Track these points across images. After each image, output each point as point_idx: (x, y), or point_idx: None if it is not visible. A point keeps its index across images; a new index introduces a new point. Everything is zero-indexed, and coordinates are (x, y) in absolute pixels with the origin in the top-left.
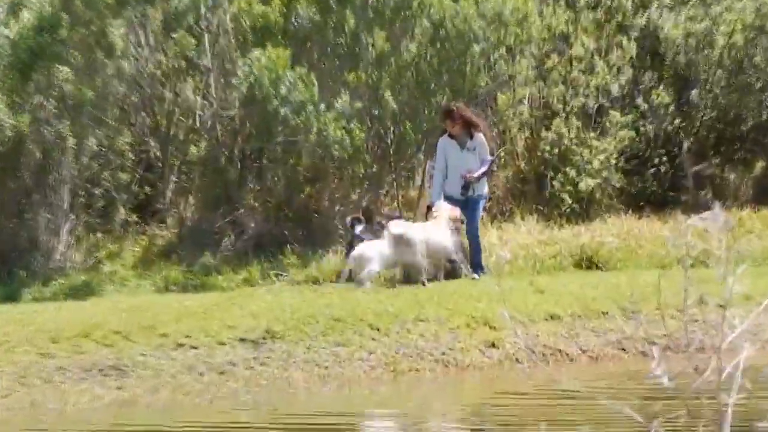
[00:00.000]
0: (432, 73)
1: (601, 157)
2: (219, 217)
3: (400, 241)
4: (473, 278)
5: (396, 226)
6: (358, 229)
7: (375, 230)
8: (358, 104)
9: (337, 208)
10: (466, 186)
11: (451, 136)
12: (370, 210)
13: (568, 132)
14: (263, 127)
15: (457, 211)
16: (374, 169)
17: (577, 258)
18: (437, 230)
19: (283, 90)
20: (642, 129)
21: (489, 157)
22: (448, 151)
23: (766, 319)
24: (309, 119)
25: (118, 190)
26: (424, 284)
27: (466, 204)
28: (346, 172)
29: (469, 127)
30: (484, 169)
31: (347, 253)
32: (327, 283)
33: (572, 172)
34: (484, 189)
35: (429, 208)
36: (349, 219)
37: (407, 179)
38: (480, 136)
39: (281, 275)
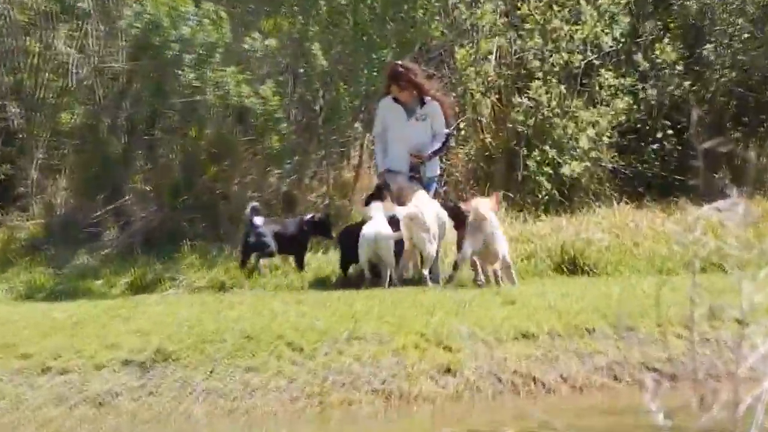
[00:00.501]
0: (374, 20)
1: (590, 131)
2: (98, 204)
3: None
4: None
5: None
6: (257, 220)
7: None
8: (272, 43)
9: (249, 193)
10: (415, 167)
11: (396, 100)
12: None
13: (548, 98)
14: (156, 86)
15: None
16: (298, 144)
17: (557, 259)
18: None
19: (185, 31)
20: (641, 94)
21: (444, 130)
22: (391, 119)
23: None
24: (207, 74)
25: None
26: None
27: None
28: (262, 147)
29: (421, 93)
30: (437, 145)
31: (242, 250)
32: (236, 290)
33: (552, 151)
34: (436, 170)
35: (379, 189)
36: (249, 208)
37: (340, 157)
38: (434, 103)
39: (177, 279)
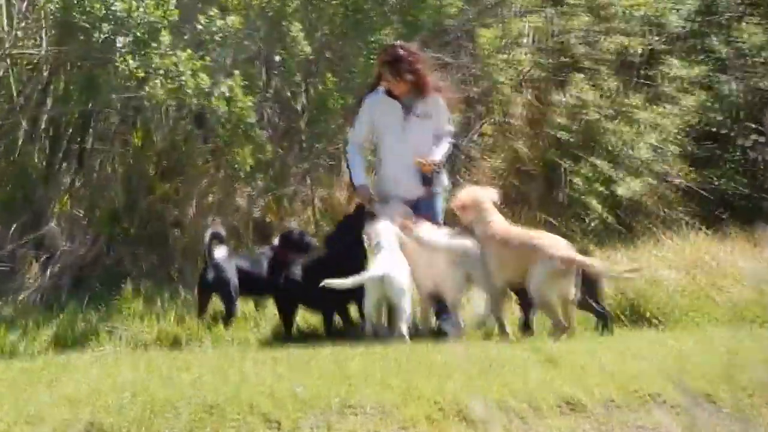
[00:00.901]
0: None
1: (652, 136)
2: (13, 234)
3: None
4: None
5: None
6: (219, 251)
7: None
8: (234, 20)
9: (210, 218)
10: (427, 178)
11: (389, 93)
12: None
13: (596, 94)
14: (87, 79)
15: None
16: (273, 154)
17: (612, 306)
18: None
19: (117, 7)
20: (720, 89)
21: (449, 128)
22: (385, 119)
23: None
24: (154, 60)
25: None
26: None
27: (416, 207)
28: (227, 160)
29: (422, 85)
30: (444, 148)
31: (199, 291)
32: (194, 346)
33: (604, 163)
34: (444, 181)
35: (359, 208)
36: (208, 234)
37: (329, 171)
38: (436, 96)
39: (117, 332)
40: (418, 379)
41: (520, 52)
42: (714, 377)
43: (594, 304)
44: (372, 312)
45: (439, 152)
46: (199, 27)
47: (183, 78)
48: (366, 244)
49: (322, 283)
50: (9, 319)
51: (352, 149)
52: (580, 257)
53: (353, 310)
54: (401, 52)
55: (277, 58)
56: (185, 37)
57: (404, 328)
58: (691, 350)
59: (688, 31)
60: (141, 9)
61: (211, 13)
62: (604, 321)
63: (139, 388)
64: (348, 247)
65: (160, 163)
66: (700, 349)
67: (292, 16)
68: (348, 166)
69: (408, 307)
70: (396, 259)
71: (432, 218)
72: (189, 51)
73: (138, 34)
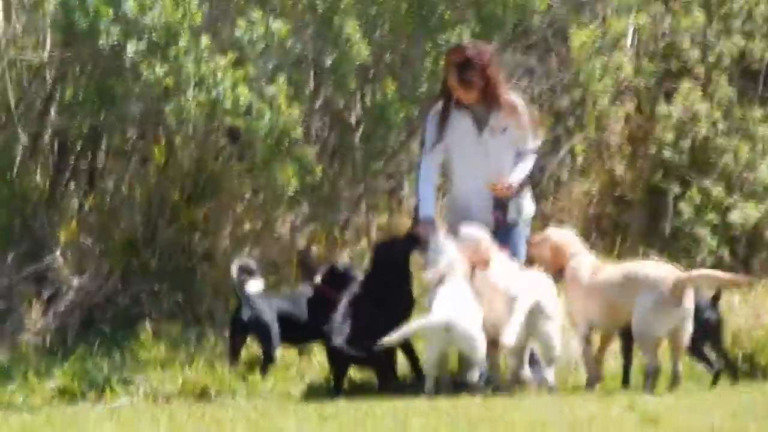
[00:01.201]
0: None
1: None
2: (10, 266)
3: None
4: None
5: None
6: (253, 286)
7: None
8: (282, 28)
9: (247, 248)
10: (501, 203)
11: (458, 103)
12: (307, 255)
13: (712, 106)
14: (99, 87)
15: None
16: (322, 176)
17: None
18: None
19: (130, 7)
20: None
21: (534, 144)
22: (453, 132)
23: None
24: (185, 66)
25: None
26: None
27: (495, 236)
28: (267, 181)
29: (493, 92)
30: (526, 168)
31: (231, 338)
32: (225, 399)
33: (717, 188)
34: (528, 206)
35: (413, 239)
36: (235, 268)
37: (390, 194)
38: (513, 106)
39: (134, 382)
40: None
41: (621, 57)
42: None
43: (712, 354)
44: (432, 367)
45: (519, 173)
46: (238, 34)
47: (221, 88)
48: (425, 278)
49: (377, 344)
50: (5, 367)
51: (424, 174)
52: (703, 272)
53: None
54: (470, 52)
55: (329, 61)
56: (222, 40)
57: (476, 376)
58: None
59: None
60: (156, 10)
61: (253, 16)
62: (727, 372)
63: None
64: (391, 285)
65: (187, 185)
66: None
67: (347, 11)
68: (417, 192)
69: (482, 356)
70: (462, 297)
71: (513, 252)
72: (231, 55)
73: (154, 38)
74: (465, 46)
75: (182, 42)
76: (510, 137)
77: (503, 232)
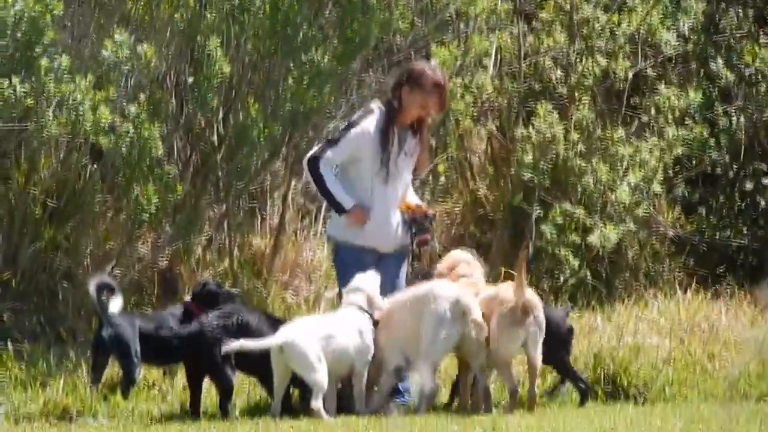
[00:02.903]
0: (302, 3)
1: (636, 176)
2: None
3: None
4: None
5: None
6: (113, 305)
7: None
8: (148, 50)
9: (111, 268)
10: (419, 222)
11: (391, 119)
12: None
13: (572, 127)
14: None
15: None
16: (183, 195)
17: (588, 377)
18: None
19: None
20: (723, 122)
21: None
22: (377, 147)
23: None
24: (47, 85)
25: None
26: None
27: (383, 261)
28: (128, 200)
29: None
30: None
31: (93, 358)
32: (86, 419)
33: (578, 209)
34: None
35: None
36: (93, 286)
37: (251, 215)
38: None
39: None
40: None
41: (484, 76)
42: None
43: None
44: (278, 387)
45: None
46: (105, 53)
47: (81, 110)
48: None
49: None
50: None
51: (326, 169)
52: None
53: None
54: (442, 80)
55: (190, 79)
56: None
57: (317, 401)
58: (679, 431)
59: (687, 53)
60: (18, 5)
61: (118, 38)
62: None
63: None
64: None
65: (48, 205)
66: (689, 430)
67: (209, 29)
68: (321, 187)
69: (315, 380)
70: (323, 325)
71: (400, 275)
72: (90, 78)
73: (18, 34)
74: (442, 73)
75: (45, 40)
76: (413, 161)
77: (391, 259)
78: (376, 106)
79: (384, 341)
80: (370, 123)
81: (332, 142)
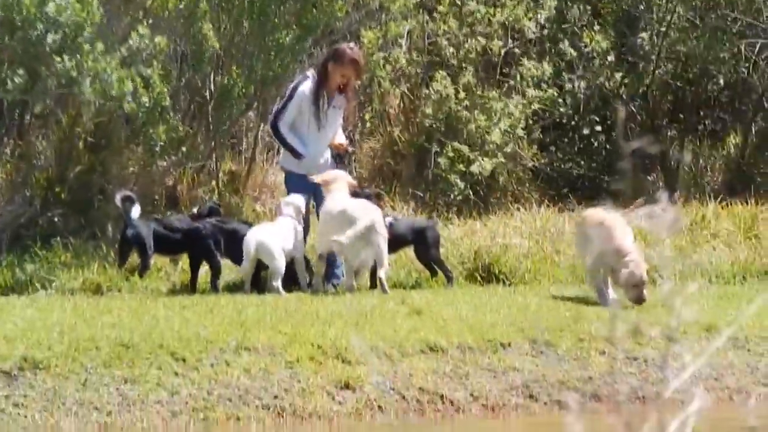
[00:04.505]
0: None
1: (505, 124)
2: None
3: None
4: (326, 290)
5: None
6: (134, 211)
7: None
8: (161, 40)
9: (132, 186)
10: (340, 158)
11: (321, 85)
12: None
13: (458, 89)
14: (26, 70)
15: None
16: (184, 134)
17: (470, 267)
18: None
19: (51, 8)
20: (568, 86)
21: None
22: (311, 106)
23: (733, 358)
24: (83, 58)
25: None
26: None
27: (317, 187)
28: (144, 137)
29: (351, 86)
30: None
31: (119, 249)
32: (114, 293)
33: (464, 147)
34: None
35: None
36: (119, 196)
37: (232, 149)
38: (353, 97)
39: (49, 281)
40: (303, 325)
41: (398, 52)
42: (553, 328)
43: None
44: (245, 272)
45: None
46: (131, 42)
47: (110, 81)
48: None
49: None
50: None
51: (284, 129)
52: None
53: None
54: (363, 57)
55: (190, 51)
56: (114, 46)
57: (276, 283)
58: (536, 305)
59: (543, 37)
60: (69, 11)
61: (141, 32)
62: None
63: (65, 328)
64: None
65: (87, 140)
66: (544, 305)
67: (204, 16)
68: (283, 142)
69: (277, 267)
70: (277, 226)
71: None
72: (117, 59)
73: (66, 32)
74: (360, 51)
75: (87, 35)
76: (341, 113)
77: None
78: (311, 73)
79: (318, 239)
80: (306, 86)
81: (282, 110)
